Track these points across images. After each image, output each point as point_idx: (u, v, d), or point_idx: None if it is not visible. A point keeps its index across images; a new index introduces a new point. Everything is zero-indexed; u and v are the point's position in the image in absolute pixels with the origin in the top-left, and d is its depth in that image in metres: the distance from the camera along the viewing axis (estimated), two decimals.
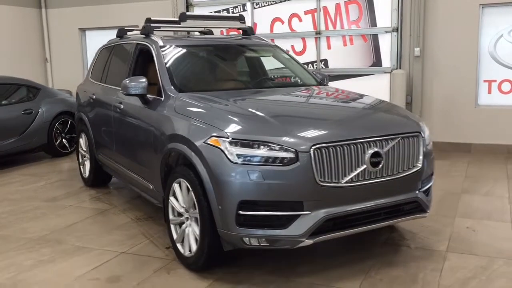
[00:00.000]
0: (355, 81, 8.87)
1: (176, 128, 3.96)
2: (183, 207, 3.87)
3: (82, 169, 6.62)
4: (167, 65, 4.65)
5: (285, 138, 3.39)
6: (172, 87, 4.44)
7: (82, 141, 6.50)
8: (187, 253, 3.84)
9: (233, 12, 9.60)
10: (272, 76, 5.73)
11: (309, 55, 9.16)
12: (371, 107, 4.43)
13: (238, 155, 3.37)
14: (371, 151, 3.50)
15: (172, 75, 4.56)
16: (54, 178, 7.02)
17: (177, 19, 5.35)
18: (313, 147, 3.35)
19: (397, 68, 8.50)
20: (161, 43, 4.91)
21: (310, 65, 9.16)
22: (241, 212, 3.36)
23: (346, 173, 3.44)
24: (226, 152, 3.39)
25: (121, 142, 5.20)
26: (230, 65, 5.24)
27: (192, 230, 3.77)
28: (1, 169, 7.62)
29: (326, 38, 9.00)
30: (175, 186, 3.92)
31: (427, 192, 3.99)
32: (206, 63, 5.17)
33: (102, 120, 5.74)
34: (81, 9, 11.17)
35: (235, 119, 3.66)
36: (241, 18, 5.84)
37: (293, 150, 3.34)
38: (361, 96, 4.71)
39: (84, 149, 6.45)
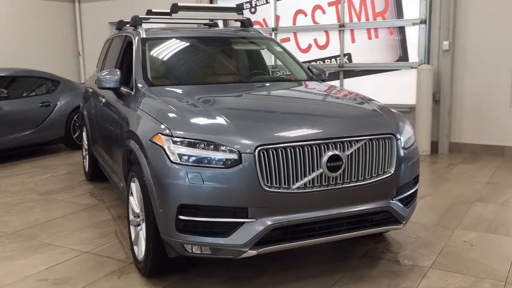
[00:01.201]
0: (380, 77, 8.36)
1: (133, 124, 3.74)
2: (138, 207, 3.65)
3: (84, 163, 6.57)
4: (144, 58, 4.45)
5: (230, 138, 3.09)
6: (143, 80, 4.24)
7: (84, 135, 6.45)
8: (140, 257, 3.62)
9: (256, 5, 9.31)
10: (265, 71, 5.33)
11: (332, 49, 8.72)
12: (343, 105, 4.02)
13: (180, 155, 3.10)
14: (329, 154, 3.13)
15: (146, 68, 4.36)
16: (61, 171, 7.02)
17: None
18: (258, 149, 3.02)
19: (425, 63, 7.91)
20: (143, 35, 4.72)
21: (333, 59, 8.72)
22: (181, 217, 3.08)
23: (298, 178, 3.09)
24: (168, 151, 3.13)
25: (102, 136, 5.08)
26: (213, 58, 4.94)
27: (143, 232, 3.54)
28: (16, 160, 7.74)
29: (350, 31, 8.52)
30: (132, 185, 3.71)
31: (406, 201, 3.56)
32: (188, 56, 4.90)
33: (93, 114, 5.64)
34: (111, 3, 11.24)
35: (185, 116, 3.39)
36: (238, 10, 5.54)
37: (236, 151, 3.03)
38: (342, 93, 4.28)
39: (86, 143, 6.39)
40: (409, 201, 3.62)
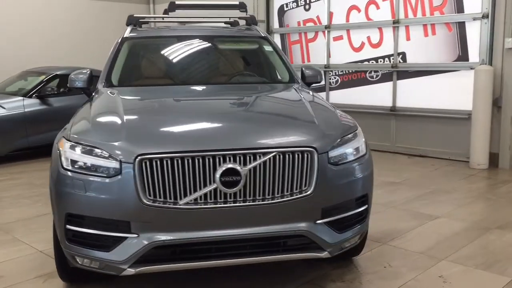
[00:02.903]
0: (436, 78, 7.49)
1: None
2: None
3: None
4: (115, 58, 4.39)
5: (117, 145, 2.85)
6: (104, 81, 4.17)
7: None
8: None
9: (310, 1, 8.86)
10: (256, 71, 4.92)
11: (386, 48, 7.99)
12: (270, 113, 3.53)
13: (72, 161, 2.93)
14: (223, 168, 2.77)
15: (112, 68, 4.28)
16: None
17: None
18: (138, 158, 2.75)
19: (486, 64, 6.92)
20: (126, 34, 4.66)
21: (386, 59, 8.00)
22: (68, 227, 2.93)
23: (186, 193, 2.77)
24: (62, 157, 2.98)
25: None
26: (187, 58, 4.67)
27: None
28: None
29: (405, 27, 7.74)
30: None
31: (339, 226, 3.05)
32: (160, 56, 4.72)
33: None
34: None
35: (92, 120, 3.21)
36: (241, 6, 5.26)
37: (118, 160, 2.80)
38: (291, 98, 3.83)
39: None
40: (346, 225, 3.10)
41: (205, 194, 2.78)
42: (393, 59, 7.92)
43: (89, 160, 2.88)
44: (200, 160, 2.77)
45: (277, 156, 2.85)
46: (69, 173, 2.91)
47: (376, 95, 8.14)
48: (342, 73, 8.63)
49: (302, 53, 9.14)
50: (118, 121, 3.11)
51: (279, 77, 4.54)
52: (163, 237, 2.78)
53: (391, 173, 6.65)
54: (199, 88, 4.15)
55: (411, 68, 7.74)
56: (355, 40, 8.37)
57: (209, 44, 4.76)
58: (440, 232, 4.39)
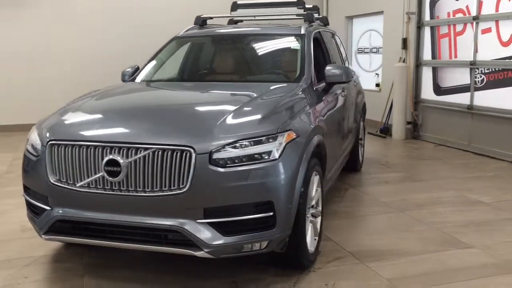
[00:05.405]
0: None
1: None
2: None
3: None
4: (157, 54, 4.93)
5: (45, 130, 3.41)
6: (137, 76, 4.74)
7: None
8: None
9: None
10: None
11: None
12: (188, 111, 3.65)
13: (32, 143, 3.56)
14: (106, 158, 3.04)
15: (148, 65, 4.82)
16: None
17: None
18: (49, 142, 3.25)
19: None
20: (180, 34, 5.14)
21: None
22: (24, 195, 3.59)
23: (82, 177, 3.14)
24: (29, 138, 3.65)
25: None
26: (208, 56, 4.87)
27: None
28: None
29: None
30: None
31: (227, 229, 3.00)
32: (190, 54, 5.02)
33: None
34: None
35: (66, 105, 3.84)
36: (299, 4, 5.20)
37: (40, 142, 3.33)
38: (226, 100, 3.90)
39: None
40: (238, 229, 3.03)
41: (97, 181, 3.11)
42: None
43: (34, 141, 3.48)
44: (92, 150, 3.11)
45: (156, 152, 2.98)
46: (26, 151, 3.57)
47: None
48: (488, 71, 7.48)
49: (450, 47, 8.19)
50: (68, 110, 3.65)
51: (289, 75, 4.41)
52: (64, 213, 3.22)
53: (493, 192, 5.61)
54: (190, 85, 4.53)
55: None
56: (504, 33, 7.14)
57: (238, 43, 4.92)
58: (447, 263, 3.71)
